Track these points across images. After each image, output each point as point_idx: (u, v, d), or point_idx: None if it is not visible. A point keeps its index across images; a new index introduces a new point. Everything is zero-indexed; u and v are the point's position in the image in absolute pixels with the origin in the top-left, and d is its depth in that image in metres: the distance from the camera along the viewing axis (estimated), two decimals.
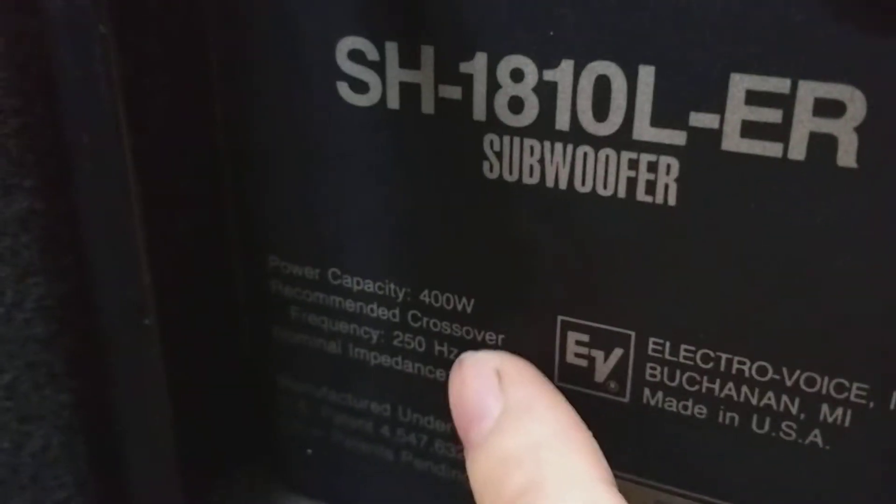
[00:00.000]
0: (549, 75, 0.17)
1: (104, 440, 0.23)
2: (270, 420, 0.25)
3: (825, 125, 0.16)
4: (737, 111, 0.16)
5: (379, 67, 0.19)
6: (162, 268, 0.21)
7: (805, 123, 0.16)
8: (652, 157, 0.17)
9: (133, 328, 0.21)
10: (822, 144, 0.16)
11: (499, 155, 0.19)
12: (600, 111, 0.17)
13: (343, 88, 0.19)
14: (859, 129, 0.15)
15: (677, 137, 0.17)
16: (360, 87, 0.19)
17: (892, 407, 0.17)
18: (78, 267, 0.21)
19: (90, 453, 0.23)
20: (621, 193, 0.18)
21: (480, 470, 0.18)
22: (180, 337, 0.22)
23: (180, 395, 0.23)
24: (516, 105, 0.18)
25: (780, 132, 0.16)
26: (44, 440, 0.22)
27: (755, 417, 0.18)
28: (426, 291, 0.21)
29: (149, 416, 0.22)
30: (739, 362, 0.18)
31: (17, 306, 0.21)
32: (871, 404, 0.17)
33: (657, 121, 0.17)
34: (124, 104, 0.19)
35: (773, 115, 0.16)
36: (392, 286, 0.21)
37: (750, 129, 0.16)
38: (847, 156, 0.16)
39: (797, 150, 0.16)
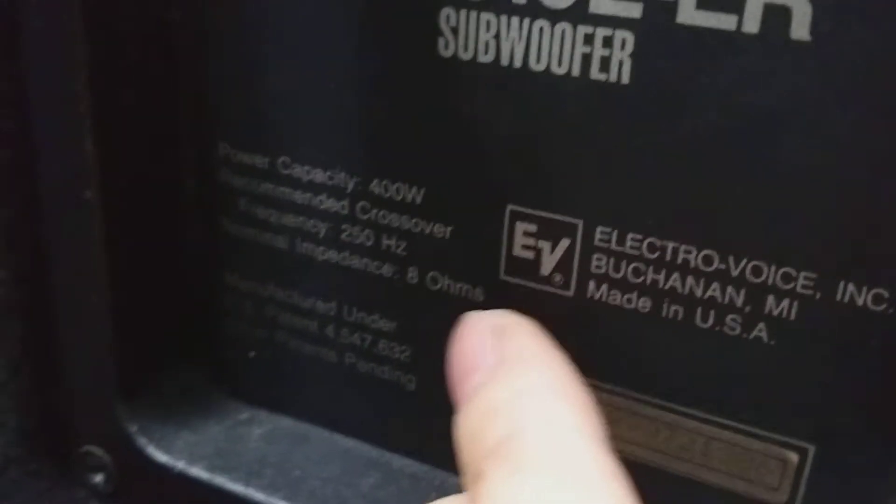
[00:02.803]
0: None
1: (40, 322, 0.22)
2: (213, 318, 0.24)
3: None
4: None
5: None
6: (107, 142, 0.21)
7: None
8: (608, 32, 0.17)
9: (73, 201, 0.21)
10: (776, 16, 0.15)
11: (455, 31, 0.18)
12: None
13: None
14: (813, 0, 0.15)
15: (634, 9, 0.17)
16: None
17: (838, 298, 0.17)
18: (20, 132, 0.20)
19: (25, 335, 0.22)
20: (576, 71, 0.17)
21: (465, 424, 0.16)
22: (124, 219, 0.22)
23: (120, 281, 0.22)
24: None
25: (734, 3, 0.16)
26: None
27: (699, 311, 0.18)
28: (376, 181, 0.21)
29: (86, 300, 0.22)
30: (686, 251, 0.18)
31: None
32: (818, 295, 0.17)
33: None
34: None
35: None
36: (342, 175, 0.21)
37: (705, 0, 0.16)
38: (801, 27, 0.15)
39: (751, 23, 0.16)
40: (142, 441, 0.23)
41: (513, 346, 0.17)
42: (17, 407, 0.23)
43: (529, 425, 0.15)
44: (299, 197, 0.22)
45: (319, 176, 0.21)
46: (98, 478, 0.25)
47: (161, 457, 0.23)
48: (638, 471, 0.19)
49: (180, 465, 0.23)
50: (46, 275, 0.22)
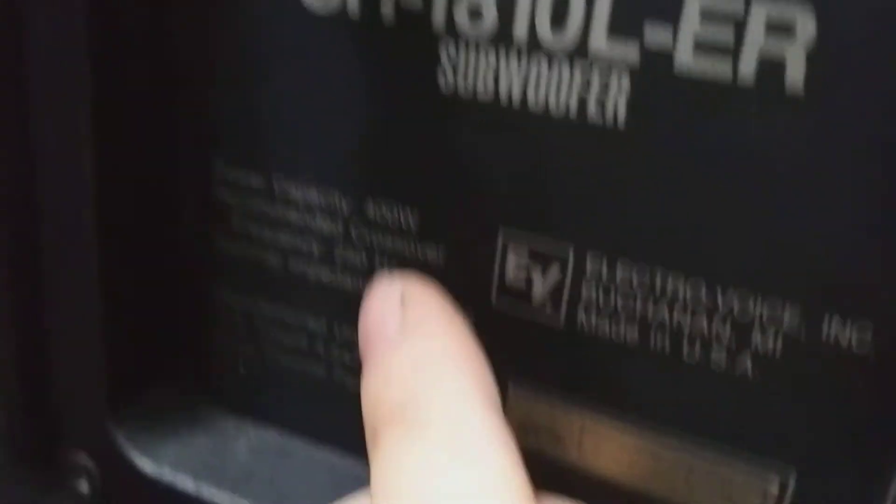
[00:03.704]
0: None
1: (30, 330, 0.22)
2: (204, 334, 0.25)
3: (775, 47, 0.16)
4: (691, 28, 0.16)
5: None
6: (105, 161, 0.21)
7: (756, 44, 0.16)
8: (605, 75, 0.17)
9: (71, 218, 0.21)
10: (771, 69, 0.16)
11: (455, 66, 0.19)
12: (558, 18, 0.17)
13: None
14: (808, 54, 0.16)
15: (631, 54, 0.17)
16: None
17: (822, 337, 0.17)
18: (21, 152, 0.20)
19: (15, 342, 0.22)
20: (573, 114, 0.18)
21: (368, 389, 0.18)
22: (118, 236, 0.22)
23: (113, 296, 0.22)
24: (475, 13, 0.18)
25: (731, 52, 0.16)
26: None
27: (686, 344, 0.19)
28: (371, 203, 0.21)
29: (78, 310, 0.22)
30: (675, 279, 0.18)
31: None
32: (803, 333, 0.18)
33: (613, 29, 0.17)
34: None
35: (725, 34, 0.16)
36: (337, 196, 0.21)
37: (702, 49, 0.16)
38: (795, 82, 0.16)
39: (747, 74, 0.16)
40: (128, 450, 0.24)
41: (415, 314, 0.18)
42: (4, 412, 0.24)
43: (423, 392, 0.16)
44: (293, 216, 0.22)
45: (314, 196, 0.22)
46: (83, 485, 0.25)
47: (147, 466, 0.23)
48: (621, 497, 0.20)
49: (166, 474, 0.23)
50: (40, 284, 0.22)
